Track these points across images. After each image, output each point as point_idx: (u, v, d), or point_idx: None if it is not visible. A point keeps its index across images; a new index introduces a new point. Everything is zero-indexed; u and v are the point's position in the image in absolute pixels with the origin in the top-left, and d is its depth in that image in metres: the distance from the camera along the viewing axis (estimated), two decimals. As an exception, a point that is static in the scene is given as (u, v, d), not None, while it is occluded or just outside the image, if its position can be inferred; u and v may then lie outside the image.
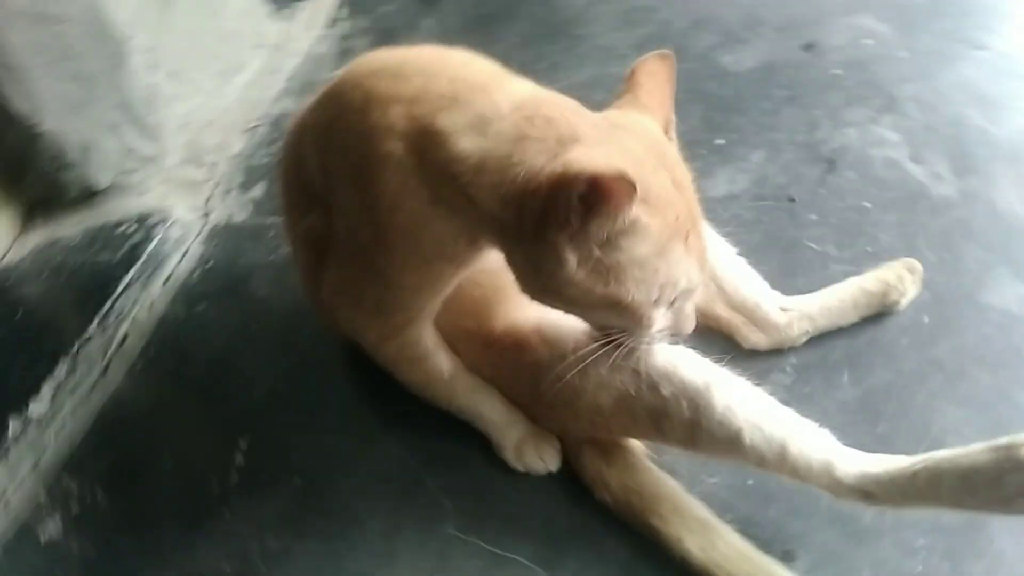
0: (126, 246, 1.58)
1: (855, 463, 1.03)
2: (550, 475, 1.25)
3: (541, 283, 0.94)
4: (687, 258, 0.94)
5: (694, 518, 1.14)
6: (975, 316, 1.35)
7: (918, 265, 1.36)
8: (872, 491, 1.02)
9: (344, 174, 1.05)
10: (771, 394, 1.10)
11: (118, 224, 1.62)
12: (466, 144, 0.92)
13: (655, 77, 1.03)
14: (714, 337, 1.36)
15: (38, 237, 1.62)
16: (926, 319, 1.36)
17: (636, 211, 0.88)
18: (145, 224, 1.62)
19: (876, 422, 1.24)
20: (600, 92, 1.58)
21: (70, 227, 1.63)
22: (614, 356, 1.05)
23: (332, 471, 1.31)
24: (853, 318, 1.34)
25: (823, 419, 1.12)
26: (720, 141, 1.69)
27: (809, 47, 1.85)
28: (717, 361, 1.11)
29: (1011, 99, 1.65)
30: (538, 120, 0.91)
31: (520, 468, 1.26)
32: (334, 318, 1.20)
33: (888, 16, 1.88)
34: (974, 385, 1.27)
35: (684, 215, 0.93)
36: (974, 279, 1.40)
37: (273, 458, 1.34)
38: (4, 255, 1.59)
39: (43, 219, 1.63)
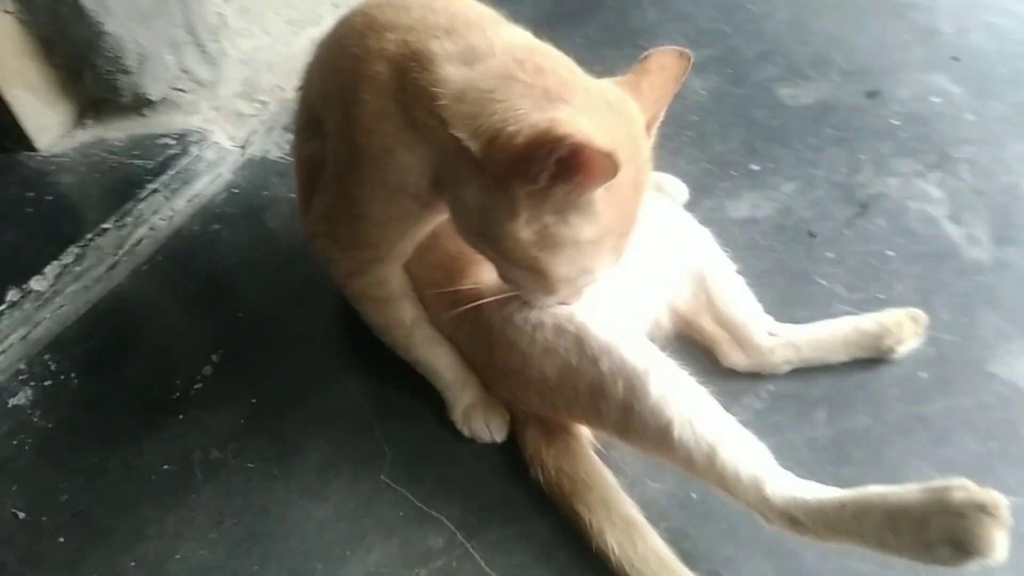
0: (162, 156, 1.64)
1: (787, 485, 0.99)
2: (493, 445, 1.24)
3: (483, 227, 0.94)
4: (609, 255, 0.98)
5: (620, 515, 1.11)
6: (978, 383, 1.27)
7: (923, 316, 1.29)
8: (799, 518, 0.97)
9: (336, 96, 1.06)
10: (738, 417, 1.06)
11: (160, 136, 1.69)
12: (451, 70, 0.92)
13: (665, 72, 1.01)
14: (693, 349, 1.32)
15: (87, 135, 1.70)
16: (924, 375, 1.29)
17: (598, 195, 0.88)
18: (185, 141, 1.68)
19: (842, 465, 1.18)
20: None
21: (117, 131, 1.71)
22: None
23: (289, 400, 1.33)
24: (843, 356, 1.28)
25: (786, 451, 1.08)
26: (755, 167, 1.65)
27: (873, 95, 1.79)
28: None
29: (1079, 179, 1.56)
30: (529, 66, 0.91)
31: (466, 432, 1.25)
32: (313, 247, 1.22)
33: (964, 79, 1.81)
34: (958, 451, 1.20)
35: (628, 217, 0.96)
36: (986, 346, 1.32)
37: (238, 376, 1.37)
38: (53, 145, 1.68)
39: (95, 119, 1.71)
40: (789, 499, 0.97)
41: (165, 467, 1.26)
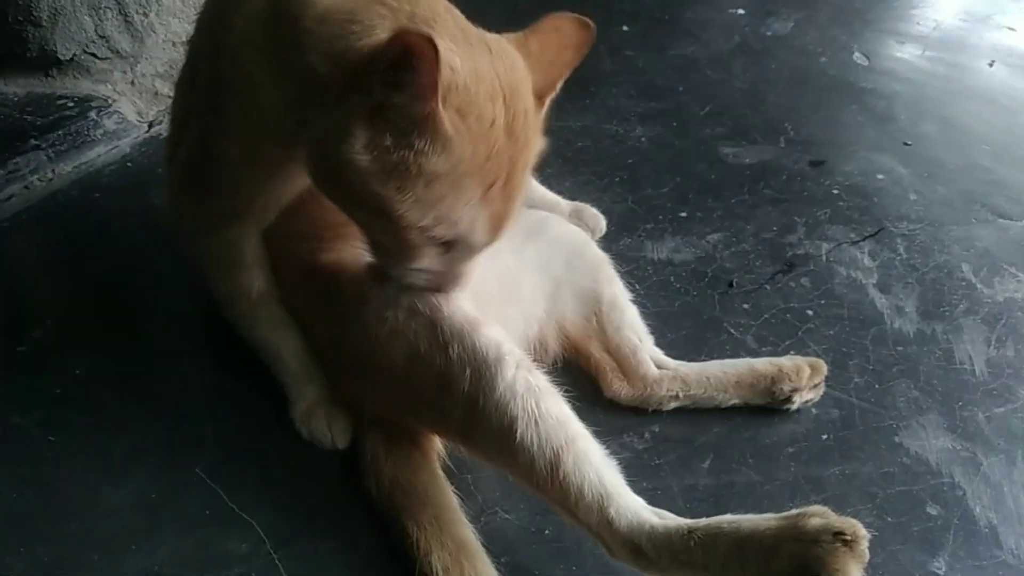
0: (56, 116, 1.54)
1: (634, 509, 0.86)
2: (331, 451, 1.09)
3: (327, 159, 0.82)
4: (479, 208, 0.84)
5: (452, 537, 0.96)
6: (882, 452, 1.14)
7: (823, 367, 1.18)
8: (643, 547, 0.84)
9: (211, 22, 0.99)
10: (617, 456, 0.94)
11: (61, 97, 1.59)
12: None
13: (560, 36, 0.93)
14: (579, 377, 1.19)
15: (-19, 88, 1.61)
16: (825, 436, 1.16)
17: (444, 115, 0.78)
18: (85, 105, 1.58)
19: (718, 519, 1.03)
20: (586, 140, 1.57)
21: (17, 87, 1.61)
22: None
23: (117, 376, 1.20)
24: (734, 398, 1.16)
25: (662, 498, 0.99)
26: (683, 214, 1.56)
27: (817, 164, 1.72)
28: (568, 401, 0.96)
29: (1017, 268, 1.46)
30: None
31: (304, 434, 1.11)
32: (169, 197, 1.11)
33: (914, 163, 1.74)
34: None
35: (499, 161, 0.84)
36: (898, 416, 1.19)
37: (69, 345, 1.24)
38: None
39: (-4, 74, 1.62)
40: (635, 524, 0.84)
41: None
